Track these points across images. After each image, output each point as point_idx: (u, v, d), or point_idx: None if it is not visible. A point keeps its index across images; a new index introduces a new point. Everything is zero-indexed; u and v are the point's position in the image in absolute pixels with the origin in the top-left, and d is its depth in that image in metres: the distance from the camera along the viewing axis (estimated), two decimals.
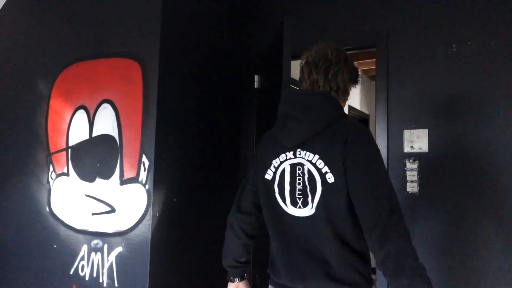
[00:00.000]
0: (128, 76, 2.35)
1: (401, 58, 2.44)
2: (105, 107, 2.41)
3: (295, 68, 3.62)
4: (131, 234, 2.22)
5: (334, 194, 1.29)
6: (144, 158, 2.23)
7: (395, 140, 2.41)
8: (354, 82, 1.49)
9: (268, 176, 1.44)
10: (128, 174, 2.28)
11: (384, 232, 1.17)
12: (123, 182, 2.30)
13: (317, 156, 1.32)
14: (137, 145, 2.27)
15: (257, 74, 2.83)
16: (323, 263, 1.32)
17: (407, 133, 2.39)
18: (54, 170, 2.58)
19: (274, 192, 1.42)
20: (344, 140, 1.28)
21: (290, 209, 1.38)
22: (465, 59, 2.28)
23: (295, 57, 2.94)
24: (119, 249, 2.25)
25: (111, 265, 2.26)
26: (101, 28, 2.47)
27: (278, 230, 1.42)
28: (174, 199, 2.31)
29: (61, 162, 2.55)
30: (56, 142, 2.60)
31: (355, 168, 1.27)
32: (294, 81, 3.67)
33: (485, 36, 2.24)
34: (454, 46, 2.32)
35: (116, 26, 2.41)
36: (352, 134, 1.29)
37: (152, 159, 2.19)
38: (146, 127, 2.25)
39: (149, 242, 2.14)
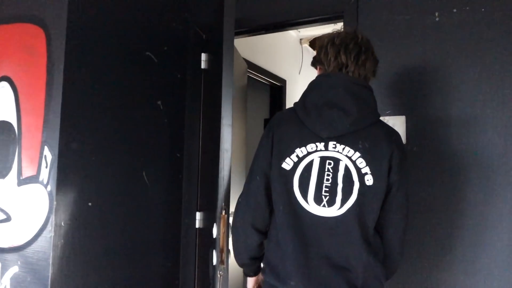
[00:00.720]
0: (30, 47, 1.84)
1: (373, 31, 2.02)
2: (2, 86, 1.90)
3: (248, 46, 3.20)
4: (28, 250, 1.72)
5: (369, 198, 1.25)
6: (46, 151, 1.73)
7: None
8: (374, 75, 1.42)
9: (287, 165, 1.29)
10: (27, 172, 1.78)
11: (399, 261, 1.38)
12: (21, 182, 1.79)
13: (358, 154, 1.26)
14: (38, 134, 1.76)
15: (205, 52, 2.36)
16: (345, 270, 1.24)
17: None
18: None
19: (293, 186, 1.28)
20: (392, 148, 1.27)
21: (312, 207, 1.26)
22: (450, 29, 1.88)
23: (244, 32, 2.52)
24: (14, 269, 1.74)
25: None
26: None
27: (295, 229, 1.27)
28: (90, 204, 1.82)
29: None
30: None
31: (400, 189, 1.30)
32: (250, 64, 3.25)
33: (474, 2, 1.84)
34: (436, 14, 1.91)
35: None
36: (399, 145, 1.30)
37: (56, 151, 1.69)
38: (49, 111, 1.74)
39: (50, 261, 1.65)
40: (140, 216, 2.09)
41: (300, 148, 1.29)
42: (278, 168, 1.31)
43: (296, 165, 1.29)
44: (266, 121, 3.72)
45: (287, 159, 1.30)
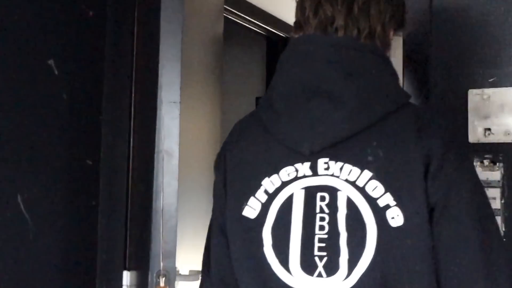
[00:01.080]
0: None
1: None
2: None
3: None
4: None
5: (402, 250, 0.81)
6: None
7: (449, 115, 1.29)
8: (399, 25, 0.95)
9: (250, 211, 0.89)
10: None
11: None
12: None
13: (368, 173, 0.83)
14: None
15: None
16: None
17: (475, 97, 1.24)
18: None
19: (262, 245, 0.88)
20: (425, 147, 0.82)
21: (297, 280, 0.85)
22: None
23: None
24: None
25: None
26: None
27: None
28: None
29: None
30: None
31: (454, 207, 0.79)
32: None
33: None
34: None
35: None
36: (440, 138, 0.84)
37: None
38: None
39: None
40: (8, 282, 1.32)
41: (269, 177, 0.90)
42: (237, 218, 0.91)
43: (265, 208, 0.89)
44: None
45: (251, 201, 0.90)
